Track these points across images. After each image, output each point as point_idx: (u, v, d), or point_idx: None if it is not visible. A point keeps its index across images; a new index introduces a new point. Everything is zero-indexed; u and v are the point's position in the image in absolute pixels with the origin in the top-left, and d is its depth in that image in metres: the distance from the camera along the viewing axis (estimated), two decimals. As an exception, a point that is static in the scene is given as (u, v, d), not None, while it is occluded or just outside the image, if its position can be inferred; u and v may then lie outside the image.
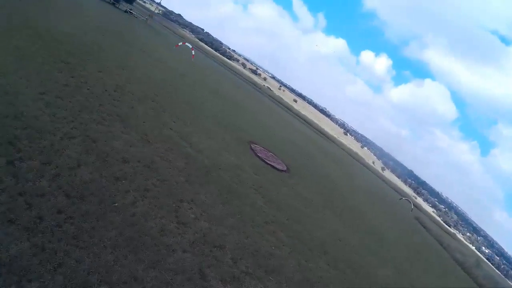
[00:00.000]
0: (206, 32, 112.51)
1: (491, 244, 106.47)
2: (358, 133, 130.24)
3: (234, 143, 9.75)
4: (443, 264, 17.04)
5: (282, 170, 10.33)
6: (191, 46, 24.61)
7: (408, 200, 35.35)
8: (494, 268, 69.17)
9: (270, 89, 76.42)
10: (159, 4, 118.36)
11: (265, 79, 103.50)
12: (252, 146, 10.73)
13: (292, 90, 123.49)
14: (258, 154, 10.25)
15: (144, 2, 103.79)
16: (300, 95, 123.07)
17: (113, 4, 30.78)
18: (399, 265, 9.72)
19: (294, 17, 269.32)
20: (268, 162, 10.11)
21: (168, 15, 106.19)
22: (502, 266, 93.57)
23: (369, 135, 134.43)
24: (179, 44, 24.66)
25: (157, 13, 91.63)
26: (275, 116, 27.09)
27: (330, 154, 27.49)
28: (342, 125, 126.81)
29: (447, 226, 74.11)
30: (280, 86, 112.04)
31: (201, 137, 8.25)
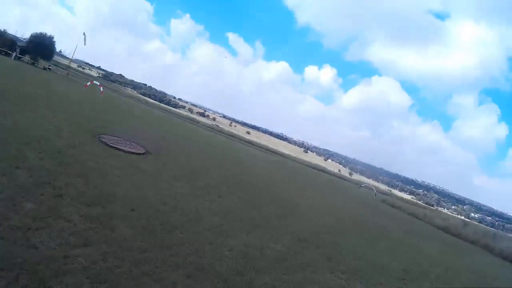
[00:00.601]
0: (149, 86, 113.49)
1: (479, 208, 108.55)
2: (320, 148, 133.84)
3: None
4: (422, 231, 16.05)
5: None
6: (99, 83, 24.32)
7: (368, 187, 35.36)
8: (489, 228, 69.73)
9: (218, 126, 78.17)
10: (98, 68, 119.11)
11: (214, 119, 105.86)
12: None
13: (245, 124, 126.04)
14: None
15: (83, 68, 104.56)
16: (253, 127, 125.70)
17: (33, 63, 31.43)
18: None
19: (233, 52, 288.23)
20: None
21: (108, 76, 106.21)
22: (497, 223, 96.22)
23: (331, 148, 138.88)
24: (88, 84, 24.35)
25: (97, 76, 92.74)
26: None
27: (288, 168, 26.93)
28: (301, 145, 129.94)
29: (428, 206, 74.98)
30: (231, 123, 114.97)
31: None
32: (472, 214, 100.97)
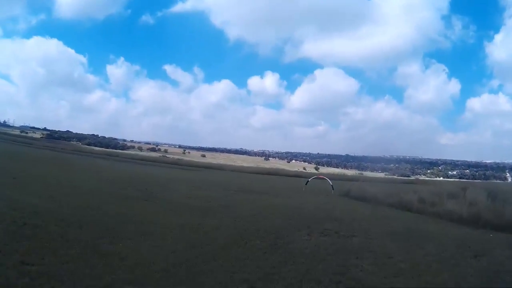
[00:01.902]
0: (96, 135, 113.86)
1: (454, 165, 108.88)
2: (282, 153, 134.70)
3: None
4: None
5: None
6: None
7: (321, 179, 30.50)
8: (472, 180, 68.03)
9: (166, 156, 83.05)
10: (44, 129, 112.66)
11: (166, 151, 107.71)
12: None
13: (201, 148, 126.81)
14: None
15: (26, 132, 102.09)
16: (211, 149, 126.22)
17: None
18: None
19: (174, 83, 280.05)
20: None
21: (52, 135, 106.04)
22: (477, 174, 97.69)
23: (292, 149, 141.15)
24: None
25: (41, 137, 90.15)
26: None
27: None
28: (261, 153, 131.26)
29: (405, 177, 76.11)
30: (184, 151, 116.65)
31: None
32: (450, 172, 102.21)
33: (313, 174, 48.91)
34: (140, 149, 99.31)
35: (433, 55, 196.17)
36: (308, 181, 27.47)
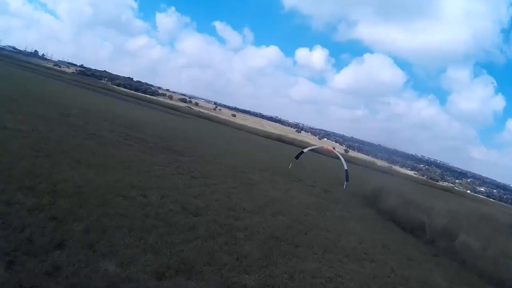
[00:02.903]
0: (136, 81, 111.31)
1: (482, 181, 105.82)
2: (316, 129, 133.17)
3: None
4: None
5: None
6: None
7: (324, 152, 23.64)
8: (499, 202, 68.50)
9: (190, 107, 78.31)
10: (80, 66, 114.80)
11: (196, 103, 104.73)
12: None
13: (236, 108, 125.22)
14: None
15: (60, 66, 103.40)
16: (244, 111, 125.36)
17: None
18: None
19: (222, 40, 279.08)
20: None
21: (85, 72, 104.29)
22: (505, 197, 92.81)
23: (327, 127, 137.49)
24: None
25: (72, 72, 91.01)
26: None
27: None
28: (295, 125, 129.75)
29: (434, 181, 74.85)
30: (216, 107, 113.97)
31: None
32: (478, 187, 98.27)
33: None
34: (170, 97, 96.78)
35: (485, 65, 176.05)
36: (302, 152, 17.33)
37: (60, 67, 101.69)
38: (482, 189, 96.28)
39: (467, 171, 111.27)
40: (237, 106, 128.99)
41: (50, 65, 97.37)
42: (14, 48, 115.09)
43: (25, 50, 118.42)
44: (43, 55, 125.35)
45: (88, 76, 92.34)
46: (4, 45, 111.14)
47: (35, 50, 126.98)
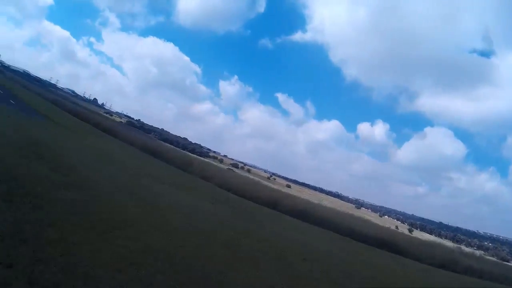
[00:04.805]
0: (194, 143, 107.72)
1: None
2: (376, 206, 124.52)
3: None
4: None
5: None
6: None
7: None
8: None
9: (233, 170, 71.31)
10: (137, 120, 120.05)
11: (249, 170, 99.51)
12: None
13: (296, 182, 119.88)
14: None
15: (111, 115, 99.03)
16: (303, 184, 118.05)
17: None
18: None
19: (284, 112, 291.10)
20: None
21: (133, 123, 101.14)
22: None
23: (388, 204, 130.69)
24: None
25: (119, 121, 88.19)
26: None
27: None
28: (355, 201, 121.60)
29: (509, 263, 59.05)
30: (270, 176, 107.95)
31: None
32: None
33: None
34: (220, 161, 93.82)
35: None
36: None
37: (111, 115, 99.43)
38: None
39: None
40: (297, 179, 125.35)
41: (101, 112, 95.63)
42: (73, 91, 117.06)
43: (83, 96, 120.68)
44: (102, 104, 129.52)
45: (136, 128, 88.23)
46: (63, 87, 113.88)
47: (95, 98, 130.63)
